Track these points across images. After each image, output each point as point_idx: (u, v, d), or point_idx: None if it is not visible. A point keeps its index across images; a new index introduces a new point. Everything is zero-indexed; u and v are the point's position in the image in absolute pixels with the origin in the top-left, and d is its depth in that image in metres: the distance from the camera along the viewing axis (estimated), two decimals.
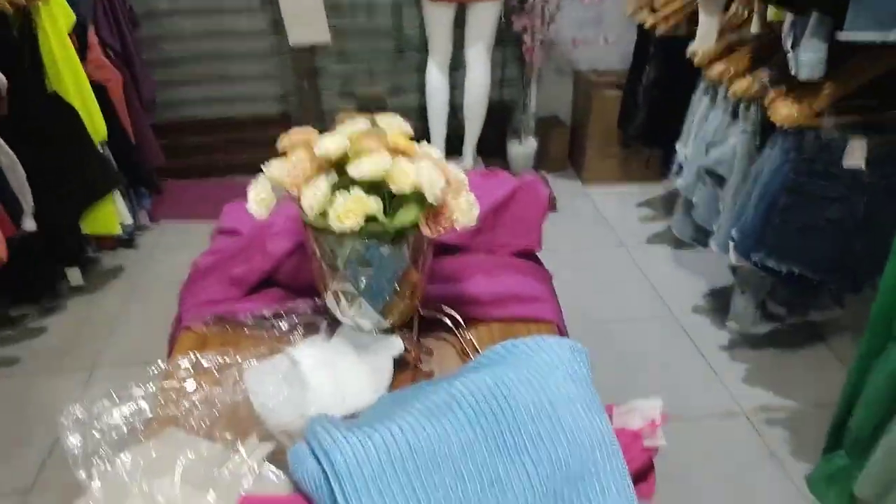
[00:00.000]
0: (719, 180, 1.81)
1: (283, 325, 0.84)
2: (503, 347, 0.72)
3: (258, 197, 0.74)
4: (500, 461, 0.58)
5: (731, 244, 1.66)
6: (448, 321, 0.88)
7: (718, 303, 2.20)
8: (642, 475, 0.68)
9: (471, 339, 0.87)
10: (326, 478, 0.56)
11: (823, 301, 1.86)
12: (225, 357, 0.76)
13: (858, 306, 1.82)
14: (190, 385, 0.71)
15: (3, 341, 2.09)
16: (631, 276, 2.39)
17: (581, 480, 0.59)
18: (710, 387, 1.91)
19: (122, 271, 2.44)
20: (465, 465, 0.57)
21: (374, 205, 0.70)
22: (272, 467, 0.63)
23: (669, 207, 2.65)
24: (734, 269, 1.96)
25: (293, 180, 0.72)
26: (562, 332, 0.93)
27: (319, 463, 0.58)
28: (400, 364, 0.82)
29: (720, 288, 2.29)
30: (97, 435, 0.63)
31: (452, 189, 0.74)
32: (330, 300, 0.80)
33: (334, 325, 0.84)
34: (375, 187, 0.71)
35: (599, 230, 2.69)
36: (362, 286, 0.76)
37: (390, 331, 0.83)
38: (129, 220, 2.34)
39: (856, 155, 1.46)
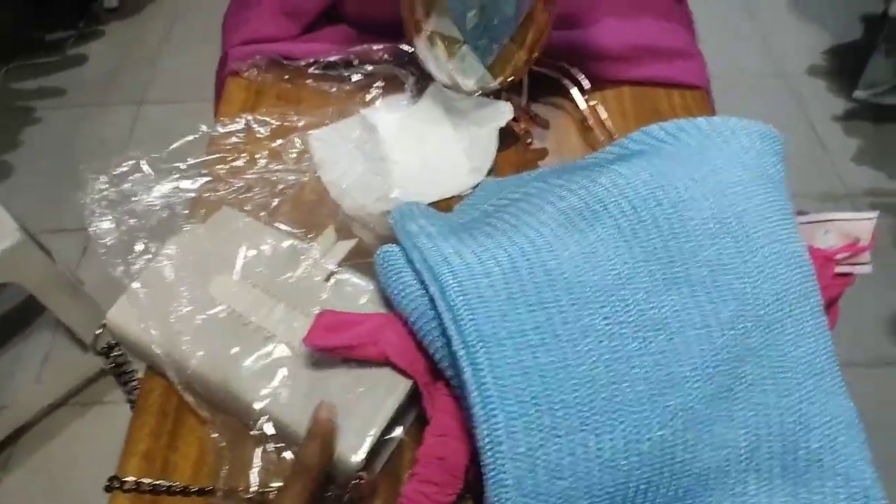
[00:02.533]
0: None
1: (356, 78, 0.64)
2: (661, 129, 0.52)
3: None
4: (667, 297, 0.42)
5: None
6: (567, 82, 0.67)
7: (841, 63, 1.87)
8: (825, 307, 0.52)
9: (595, 107, 0.67)
10: (432, 304, 0.42)
11: None
12: (283, 120, 0.58)
13: None
14: (242, 159, 0.55)
15: (46, 69, 1.94)
16: (738, 23, 2.03)
17: (771, 327, 0.44)
18: (814, 163, 1.68)
19: None
20: (620, 301, 0.42)
21: None
22: (353, 274, 0.49)
23: None
24: (877, 24, 1.62)
25: None
26: (711, 102, 0.71)
27: (421, 281, 0.43)
28: (503, 138, 0.63)
29: (846, 45, 1.93)
30: (131, 220, 0.48)
31: None
32: (421, 46, 0.59)
33: (423, 82, 0.64)
34: None
35: None
36: (470, 26, 0.54)
37: (493, 94, 0.63)
38: None
39: None
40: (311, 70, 0.65)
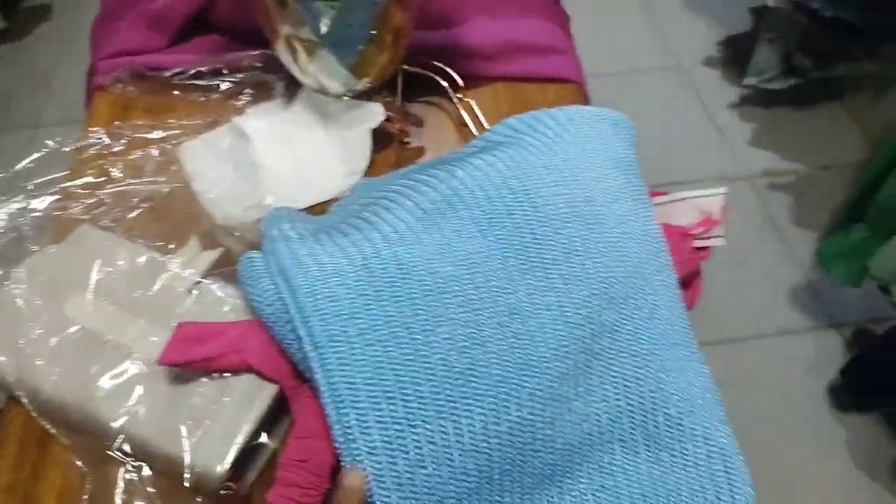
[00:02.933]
0: None
1: (225, 86, 0.64)
2: (520, 121, 0.53)
3: None
4: (521, 282, 0.43)
5: None
6: (441, 80, 0.68)
7: (733, 54, 1.96)
8: (686, 282, 0.54)
9: (470, 104, 0.68)
10: (288, 308, 0.41)
11: (856, 53, 1.64)
12: (144, 134, 0.57)
13: (884, 63, 1.62)
14: (95, 174, 0.53)
15: None
16: (636, 21, 2.10)
17: (625, 302, 0.45)
18: (714, 148, 1.76)
19: (50, 12, 2.08)
20: (474, 289, 0.42)
21: None
22: (217, 283, 0.48)
23: None
24: (762, 15, 1.70)
25: None
26: (585, 96, 0.73)
27: (277, 285, 0.43)
28: (379, 139, 0.63)
29: (736, 36, 2.03)
30: None
31: None
32: (283, 51, 0.58)
33: (294, 87, 0.64)
34: None
35: None
36: (325, 29, 0.54)
37: (366, 95, 0.63)
38: None
39: None
40: (177, 80, 0.64)
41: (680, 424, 0.44)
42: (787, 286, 1.51)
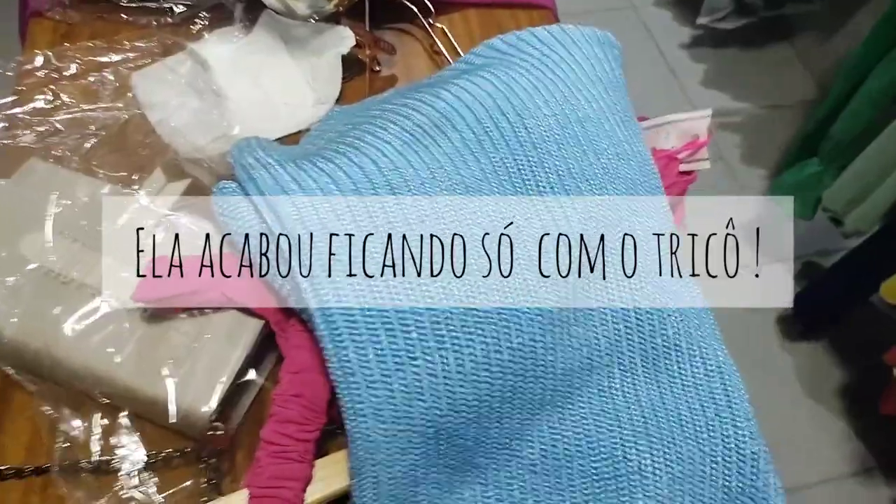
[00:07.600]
0: None
1: (179, 9, 0.58)
2: (503, 42, 0.51)
3: None
4: (517, 206, 0.42)
5: None
6: (411, 5, 0.64)
7: None
8: (671, 206, 0.54)
9: (443, 30, 0.65)
10: (272, 238, 0.38)
11: None
12: (97, 57, 0.52)
13: (831, 3, 1.64)
14: (45, 100, 0.48)
15: None
16: None
17: (620, 225, 0.44)
18: (667, 89, 1.77)
19: None
20: (469, 213, 0.40)
21: None
22: (188, 216, 0.45)
23: None
24: None
25: None
26: (557, 22, 0.71)
27: (259, 214, 0.40)
28: (348, 66, 0.60)
29: None
30: None
31: None
32: None
33: (254, 9, 0.59)
34: None
35: None
36: None
37: (332, 19, 0.59)
38: None
39: None
40: (125, 3, 0.58)
41: (678, 345, 0.44)
42: (737, 223, 1.54)
